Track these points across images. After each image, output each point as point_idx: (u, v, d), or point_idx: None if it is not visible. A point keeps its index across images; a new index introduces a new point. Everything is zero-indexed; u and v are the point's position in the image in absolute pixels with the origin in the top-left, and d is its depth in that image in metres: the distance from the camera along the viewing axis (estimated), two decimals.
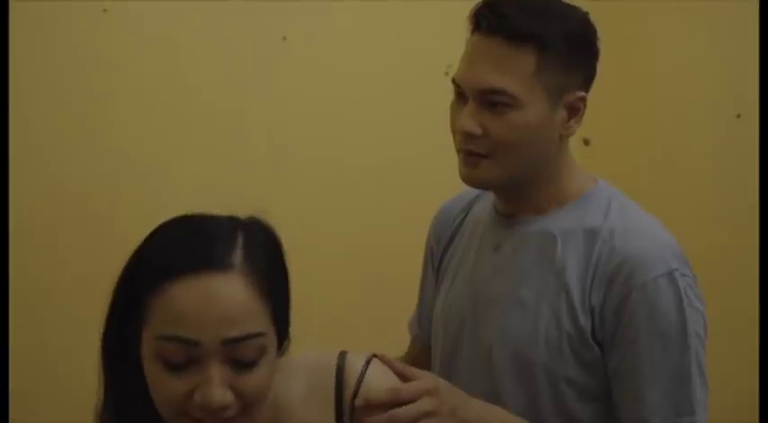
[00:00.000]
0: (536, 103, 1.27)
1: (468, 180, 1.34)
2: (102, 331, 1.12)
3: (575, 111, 1.32)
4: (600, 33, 2.92)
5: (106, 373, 1.10)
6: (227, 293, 0.97)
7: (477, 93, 1.28)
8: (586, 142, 2.80)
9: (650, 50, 2.61)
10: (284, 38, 2.52)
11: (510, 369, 1.34)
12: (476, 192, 1.51)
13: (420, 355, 1.58)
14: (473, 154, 1.30)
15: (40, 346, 2.28)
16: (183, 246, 1.01)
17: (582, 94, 1.32)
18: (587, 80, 1.34)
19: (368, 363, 1.11)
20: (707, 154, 2.42)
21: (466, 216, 1.53)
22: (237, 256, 0.99)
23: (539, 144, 1.31)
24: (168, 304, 0.97)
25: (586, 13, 1.35)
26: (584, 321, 1.28)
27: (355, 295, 2.49)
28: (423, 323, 1.62)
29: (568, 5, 1.34)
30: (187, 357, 0.97)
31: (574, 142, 2.75)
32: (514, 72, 1.26)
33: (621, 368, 1.27)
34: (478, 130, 1.28)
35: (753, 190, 2.14)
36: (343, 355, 1.11)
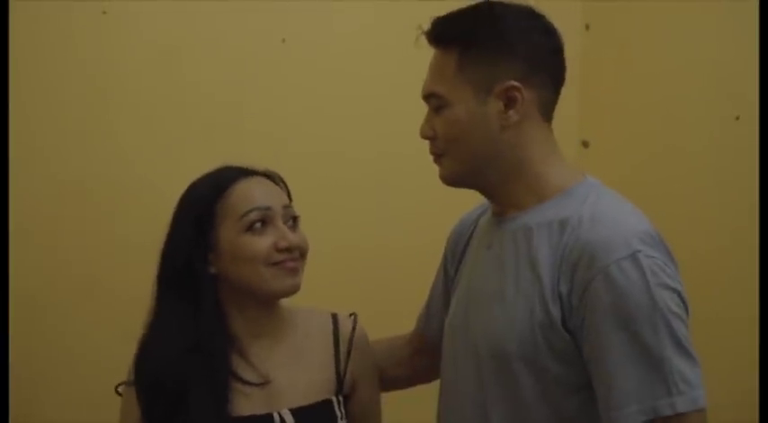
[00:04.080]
0: (462, 99, 1.35)
1: (440, 179, 1.44)
2: (163, 262, 1.50)
3: (511, 100, 1.35)
4: (598, 35, 2.93)
5: (168, 296, 1.48)
6: (271, 183, 1.53)
7: (425, 99, 1.42)
8: (585, 144, 2.80)
9: (649, 52, 2.61)
10: (283, 40, 2.53)
11: (491, 362, 1.36)
12: (487, 204, 1.54)
13: (419, 347, 1.67)
14: (435, 155, 1.42)
15: (41, 345, 2.28)
16: (230, 168, 1.53)
17: (512, 83, 1.34)
18: (527, 70, 1.36)
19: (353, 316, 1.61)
20: (706, 156, 2.42)
21: (475, 227, 1.57)
22: (267, 172, 1.56)
23: (476, 136, 1.36)
24: (240, 195, 1.47)
25: (521, 7, 1.40)
26: (554, 309, 1.28)
27: (356, 293, 2.48)
28: (429, 321, 1.68)
29: (501, 4, 1.40)
30: (263, 221, 1.45)
31: (572, 144, 2.79)
32: (441, 75, 1.37)
33: (593, 356, 1.26)
34: (430, 133, 1.40)
35: (752, 192, 2.14)
36: (333, 312, 1.60)
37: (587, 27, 2.82)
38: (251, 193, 1.48)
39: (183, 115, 2.44)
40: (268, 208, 1.47)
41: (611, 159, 2.71)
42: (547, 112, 1.41)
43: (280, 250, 1.45)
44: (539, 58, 1.38)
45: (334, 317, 1.58)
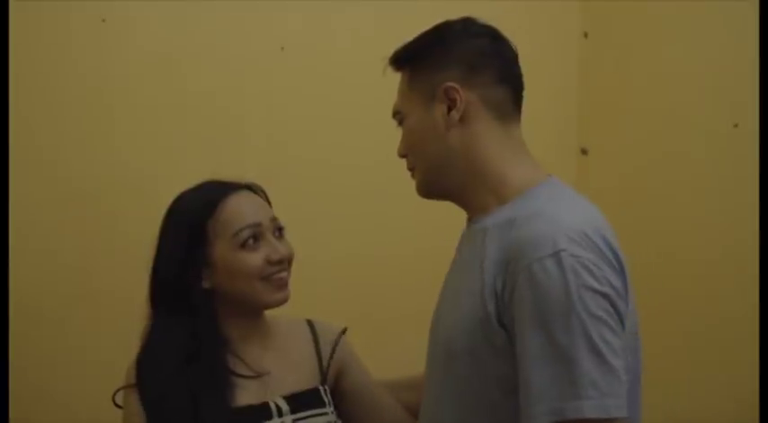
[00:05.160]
0: (414, 109, 1.44)
1: (416, 192, 1.50)
2: (156, 279, 1.58)
3: (453, 102, 1.40)
4: (597, 43, 2.93)
5: (162, 308, 1.57)
6: (256, 196, 1.63)
7: (394, 119, 1.49)
8: (584, 151, 2.80)
9: (647, 59, 2.61)
10: (282, 47, 2.53)
11: (443, 359, 1.38)
12: None
13: None
14: (410, 170, 1.49)
15: (40, 347, 2.28)
16: (215, 184, 1.61)
17: (448, 84, 1.39)
18: (466, 72, 1.40)
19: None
20: (705, 163, 2.42)
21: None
22: (250, 185, 1.64)
23: (428, 141, 1.42)
24: (230, 213, 1.56)
25: (465, 18, 1.46)
26: (490, 305, 1.29)
27: (356, 301, 2.49)
28: None
29: (448, 21, 1.46)
30: (255, 237, 1.56)
31: (572, 151, 2.79)
32: (400, 92, 1.47)
33: (517, 353, 1.26)
34: (401, 150, 1.48)
35: (751, 198, 2.14)
36: (307, 319, 1.72)
37: (586, 35, 2.82)
38: (241, 211, 1.57)
39: (183, 122, 2.44)
40: (258, 224, 1.57)
41: (611, 167, 2.72)
42: (501, 113, 1.42)
43: (272, 263, 1.56)
44: (478, 59, 1.42)
45: (309, 322, 1.72)
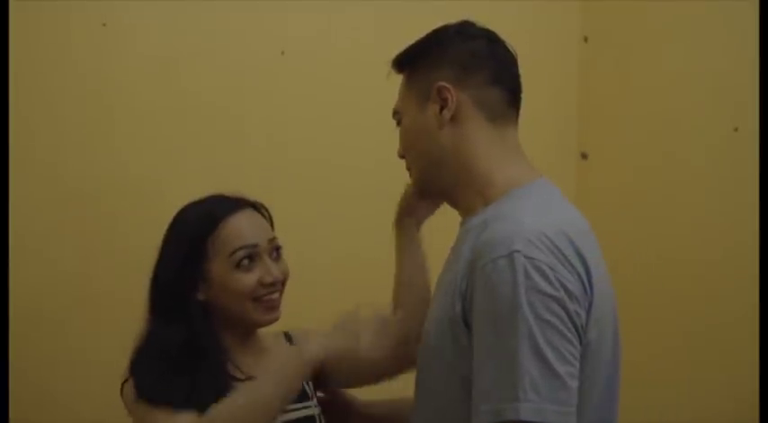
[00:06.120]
0: (410, 109, 1.46)
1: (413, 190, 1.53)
2: (155, 288, 1.62)
3: (445, 101, 1.42)
4: (597, 47, 2.94)
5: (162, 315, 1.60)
6: (258, 215, 1.67)
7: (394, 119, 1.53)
8: (584, 156, 2.81)
9: (647, 64, 2.62)
10: (282, 52, 2.53)
11: (420, 359, 1.41)
12: None
13: None
14: (408, 170, 1.51)
15: (40, 348, 2.28)
16: (220, 200, 1.65)
17: (440, 83, 1.41)
18: (460, 73, 1.42)
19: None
20: (705, 167, 2.42)
21: None
22: (254, 204, 1.68)
23: (421, 141, 1.45)
24: (230, 232, 1.60)
25: (463, 21, 1.48)
26: (458, 305, 1.29)
27: (356, 302, 2.48)
28: None
29: (447, 24, 1.48)
30: (251, 257, 1.60)
31: (572, 156, 2.79)
32: (400, 93, 1.50)
33: (474, 352, 1.27)
34: (399, 152, 1.50)
35: (751, 202, 2.14)
36: (284, 331, 1.77)
37: (586, 39, 2.83)
38: (240, 231, 1.61)
39: (183, 126, 2.44)
40: (255, 245, 1.61)
41: (611, 171, 2.72)
42: (494, 115, 1.42)
43: (264, 285, 1.61)
44: (472, 61, 1.43)
45: (285, 333, 1.79)
